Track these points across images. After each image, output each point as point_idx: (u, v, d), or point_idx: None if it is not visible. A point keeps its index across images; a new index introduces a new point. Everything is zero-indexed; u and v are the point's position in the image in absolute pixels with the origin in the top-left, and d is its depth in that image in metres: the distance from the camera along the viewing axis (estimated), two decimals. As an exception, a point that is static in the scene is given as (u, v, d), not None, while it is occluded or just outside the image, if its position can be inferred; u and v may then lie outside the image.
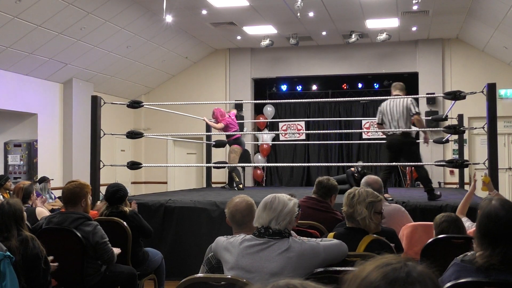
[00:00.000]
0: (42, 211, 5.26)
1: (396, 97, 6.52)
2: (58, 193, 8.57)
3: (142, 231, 4.64)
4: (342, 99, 12.19)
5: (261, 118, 12.78)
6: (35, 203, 5.42)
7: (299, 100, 11.18)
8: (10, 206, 3.44)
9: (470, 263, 2.24)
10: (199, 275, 2.77)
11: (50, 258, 3.51)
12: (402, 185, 11.81)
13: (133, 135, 7.00)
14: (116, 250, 4.13)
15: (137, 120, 13.08)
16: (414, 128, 6.65)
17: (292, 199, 2.85)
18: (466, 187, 10.11)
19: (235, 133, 8.74)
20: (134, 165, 6.95)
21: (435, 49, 11.87)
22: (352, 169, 8.95)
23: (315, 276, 2.57)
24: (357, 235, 3.12)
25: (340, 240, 2.85)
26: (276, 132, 12.75)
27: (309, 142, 12.53)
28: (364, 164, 8.54)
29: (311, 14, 9.82)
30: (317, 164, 11.83)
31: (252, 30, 11.08)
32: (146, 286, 4.83)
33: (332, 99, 12.09)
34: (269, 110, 12.83)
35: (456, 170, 10.10)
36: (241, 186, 8.81)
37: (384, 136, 11.93)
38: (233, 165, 8.60)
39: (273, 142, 12.50)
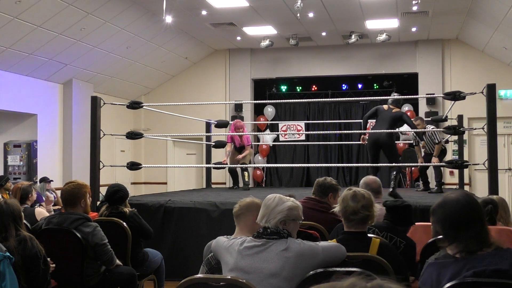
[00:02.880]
0: (41, 212, 5.27)
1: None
2: (58, 194, 8.57)
3: (142, 232, 4.63)
4: (342, 99, 12.20)
5: (261, 119, 12.78)
6: (45, 207, 5.42)
7: (298, 100, 11.17)
8: (8, 206, 3.45)
9: (445, 258, 2.27)
10: (199, 275, 2.77)
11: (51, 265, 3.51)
12: (401, 186, 11.80)
13: (133, 135, 7.01)
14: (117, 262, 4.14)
15: (137, 121, 13.08)
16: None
17: (290, 200, 2.85)
18: (466, 187, 10.13)
19: (242, 133, 8.96)
20: (134, 166, 6.96)
21: (435, 50, 11.87)
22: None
23: (314, 276, 2.57)
24: (362, 239, 3.07)
25: (339, 243, 2.85)
26: (276, 132, 12.75)
27: (308, 142, 12.53)
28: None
29: (311, 14, 9.82)
30: (316, 164, 11.81)
31: (252, 30, 11.08)
32: (146, 286, 4.83)
33: (332, 99, 12.10)
34: (269, 110, 12.83)
35: (456, 171, 10.10)
36: (249, 186, 9.25)
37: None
38: (238, 165, 8.78)
39: (273, 143, 12.50)
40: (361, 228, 3.11)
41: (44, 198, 7.97)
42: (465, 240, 2.23)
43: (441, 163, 7.54)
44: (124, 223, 4.41)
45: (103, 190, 6.44)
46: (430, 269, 2.29)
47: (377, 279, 1.10)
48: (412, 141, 8.71)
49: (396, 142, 11.49)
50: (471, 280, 2.14)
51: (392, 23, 10.52)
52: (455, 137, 9.56)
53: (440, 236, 2.39)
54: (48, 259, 3.54)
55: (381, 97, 12.00)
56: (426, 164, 8.16)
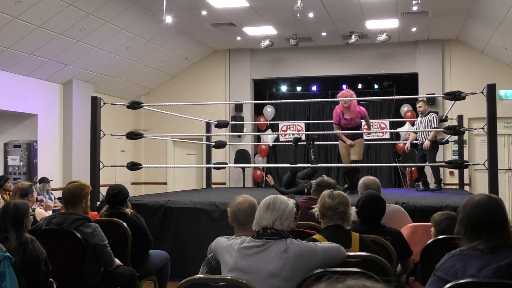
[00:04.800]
0: (41, 212, 5.27)
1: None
2: (58, 194, 8.57)
3: (141, 235, 4.60)
4: (342, 99, 12.18)
5: (261, 119, 12.79)
6: (35, 204, 5.42)
7: (299, 100, 11.17)
8: (14, 207, 3.45)
9: (471, 250, 2.29)
10: (199, 276, 2.77)
11: None
12: (402, 186, 11.81)
13: (133, 135, 7.00)
14: (117, 262, 4.14)
15: (137, 121, 13.09)
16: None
17: (290, 199, 2.86)
18: (466, 187, 10.13)
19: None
20: (134, 166, 6.96)
21: (435, 50, 11.87)
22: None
23: (314, 277, 2.57)
24: (343, 234, 3.15)
25: (338, 244, 2.86)
26: (276, 133, 12.76)
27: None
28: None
29: (311, 15, 9.82)
30: (316, 165, 11.79)
31: (252, 31, 11.09)
32: (146, 287, 4.82)
33: (332, 99, 12.07)
34: (269, 110, 12.84)
35: (456, 171, 10.10)
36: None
37: (384, 137, 11.99)
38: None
39: (273, 143, 12.51)
40: (339, 223, 3.21)
41: (44, 200, 7.97)
42: (490, 237, 2.26)
43: (440, 163, 7.55)
44: (125, 224, 4.41)
45: (103, 190, 6.45)
46: (453, 259, 2.29)
47: (349, 279, 1.12)
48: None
49: (396, 142, 11.58)
50: (471, 280, 2.14)
51: (392, 23, 10.52)
52: (455, 137, 9.55)
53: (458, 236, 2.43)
54: None
55: (381, 97, 12.06)
56: (425, 164, 8.15)
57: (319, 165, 8.92)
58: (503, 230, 2.29)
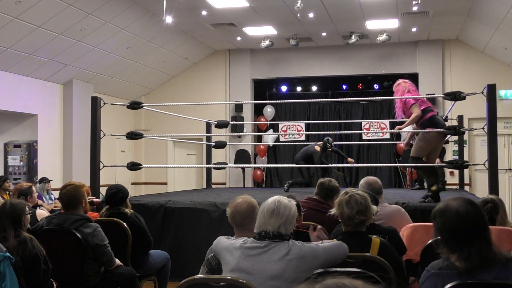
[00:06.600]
0: (42, 213, 5.27)
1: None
2: (58, 194, 8.55)
3: (141, 235, 4.60)
4: (342, 99, 12.20)
5: (261, 119, 12.79)
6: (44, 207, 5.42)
7: (299, 100, 11.17)
8: (11, 206, 3.46)
9: (450, 269, 2.17)
10: (199, 276, 2.77)
11: None
12: (402, 186, 11.80)
13: (133, 136, 7.00)
14: (117, 262, 4.14)
15: (137, 121, 13.09)
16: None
17: (291, 200, 2.86)
18: (466, 188, 10.13)
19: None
20: (134, 166, 6.95)
21: (435, 50, 11.87)
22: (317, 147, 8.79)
23: (313, 278, 2.56)
24: (362, 239, 3.09)
25: (340, 241, 2.85)
26: (277, 133, 12.76)
27: (309, 143, 12.52)
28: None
29: (311, 15, 9.82)
30: (317, 165, 11.80)
31: (252, 31, 11.09)
32: (146, 287, 4.82)
33: (332, 99, 12.09)
34: (269, 110, 12.84)
35: (456, 171, 10.10)
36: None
37: (384, 137, 11.98)
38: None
39: (274, 143, 12.51)
40: (360, 229, 3.14)
41: (44, 200, 7.97)
42: (470, 254, 2.14)
43: (441, 163, 7.54)
44: (125, 224, 4.41)
45: (103, 191, 6.46)
46: (434, 280, 2.20)
47: (328, 278, 1.11)
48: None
49: (396, 142, 11.58)
50: (471, 282, 2.13)
51: (392, 23, 10.53)
52: (455, 138, 9.55)
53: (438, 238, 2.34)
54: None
55: (381, 98, 12.06)
56: (426, 164, 8.13)
57: (317, 165, 8.95)
58: (482, 242, 2.17)
